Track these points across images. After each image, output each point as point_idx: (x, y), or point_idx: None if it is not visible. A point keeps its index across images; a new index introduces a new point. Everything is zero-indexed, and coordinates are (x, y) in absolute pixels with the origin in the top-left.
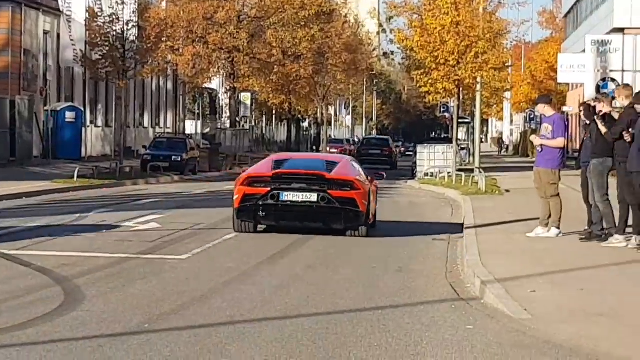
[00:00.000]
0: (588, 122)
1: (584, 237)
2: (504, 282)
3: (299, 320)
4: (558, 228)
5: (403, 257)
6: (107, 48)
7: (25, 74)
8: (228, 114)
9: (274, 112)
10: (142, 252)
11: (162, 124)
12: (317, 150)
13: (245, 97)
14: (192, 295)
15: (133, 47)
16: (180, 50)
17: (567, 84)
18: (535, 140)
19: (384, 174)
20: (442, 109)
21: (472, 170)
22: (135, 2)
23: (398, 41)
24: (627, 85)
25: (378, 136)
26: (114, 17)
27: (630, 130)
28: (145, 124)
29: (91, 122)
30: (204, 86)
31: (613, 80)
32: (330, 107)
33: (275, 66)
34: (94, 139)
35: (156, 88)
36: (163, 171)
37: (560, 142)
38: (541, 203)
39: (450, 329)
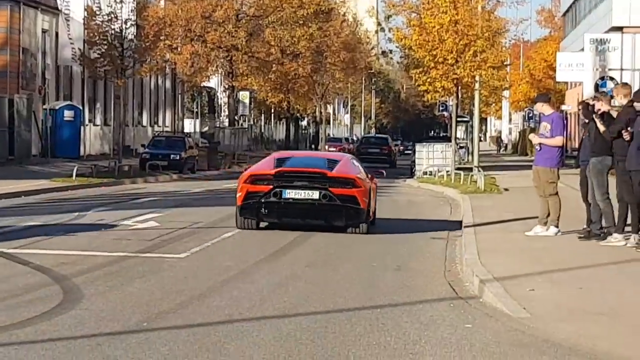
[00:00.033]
0: (587, 120)
1: (582, 235)
2: (502, 281)
3: (297, 319)
4: (557, 227)
5: (402, 255)
6: (106, 47)
7: (23, 72)
8: (226, 113)
9: (272, 110)
10: (140, 251)
11: (160, 123)
12: (316, 149)
13: (244, 96)
14: (190, 293)
15: (131, 45)
16: (179, 49)
17: (566, 83)
18: (534, 138)
19: (384, 172)
20: (440, 108)
21: (470, 169)
22: (134, 0)
23: (396, 40)
24: (626, 84)
25: (377, 135)
26: (112, 15)
27: (629, 128)
28: (144, 123)
29: (90, 121)
30: (202, 85)
31: (612, 78)
32: (328, 105)
33: (274, 65)
34: (93, 137)
35: (155, 87)
36: (162, 170)
37: (558, 140)
38: (540, 202)
39: (449, 328)
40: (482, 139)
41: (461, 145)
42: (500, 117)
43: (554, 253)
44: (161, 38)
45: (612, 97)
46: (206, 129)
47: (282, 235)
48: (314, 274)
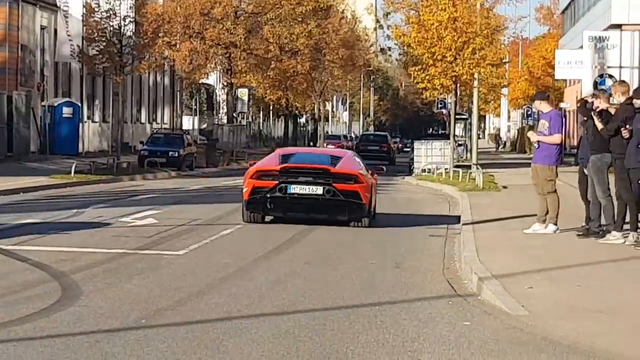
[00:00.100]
0: (585, 118)
1: (581, 233)
2: (501, 279)
3: (296, 316)
4: (555, 224)
5: (401, 252)
6: (104, 43)
7: (22, 69)
8: (225, 110)
9: (271, 108)
10: (139, 248)
11: (159, 120)
12: (314, 147)
13: (243, 93)
14: (189, 291)
15: (130, 42)
16: (177, 46)
17: (565, 80)
18: (532, 136)
19: (384, 168)
20: (439, 105)
21: (469, 167)
22: None
23: (395, 37)
24: (623, 81)
25: (376, 132)
26: (111, 12)
27: (627, 126)
28: (143, 120)
29: (88, 118)
30: (201, 82)
31: (610, 76)
32: (327, 103)
33: (273, 62)
34: (91, 134)
35: (153, 83)
36: (160, 167)
37: (556, 138)
38: (539, 199)
39: (447, 325)
40: (480, 136)
41: (460, 142)
42: (498, 115)
43: (552, 251)
44: (160, 35)
45: (610, 95)
46: (205, 126)
47: (281, 233)
48: (312, 272)
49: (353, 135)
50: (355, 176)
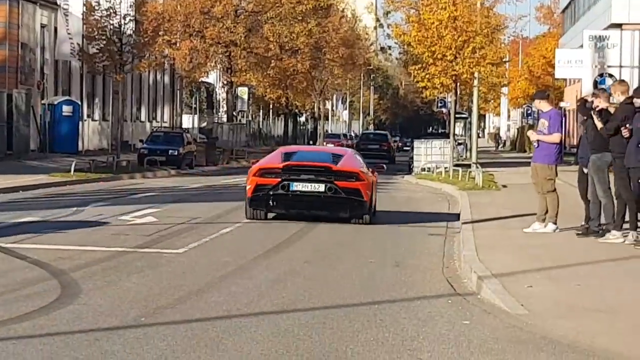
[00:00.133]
0: (585, 117)
1: (580, 232)
2: (500, 278)
3: (295, 315)
4: (555, 224)
5: (400, 252)
6: (104, 42)
7: (22, 67)
8: (225, 108)
9: (271, 106)
10: (138, 246)
11: (159, 118)
12: (314, 145)
13: (242, 92)
14: (188, 289)
15: (130, 41)
16: (177, 44)
17: (565, 80)
18: (532, 135)
19: (385, 166)
20: (439, 104)
21: (469, 166)
22: None
23: (395, 36)
24: (623, 81)
25: (376, 131)
26: (111, 10)
27: (627, 125)
28: (142, 118)
29: (88, 116)
30: (200, 80)
31: (611, 75)
32: (327, 101)
33: (273, 61)
34: (91, 132)
35: (153, 82)
36: (160, 165)
37: (556, 137)
38: (538, 198)
39: (447, 324)
40: (480, 135)
41: (459, 141)
42: (498, 114)
43: (552, 250)
44: (160, 33)
45: (610, 94)
46: (204, 124)
47: (281, 231)
48: (312, 270)
49: (353, 134)
50: (357, 174)
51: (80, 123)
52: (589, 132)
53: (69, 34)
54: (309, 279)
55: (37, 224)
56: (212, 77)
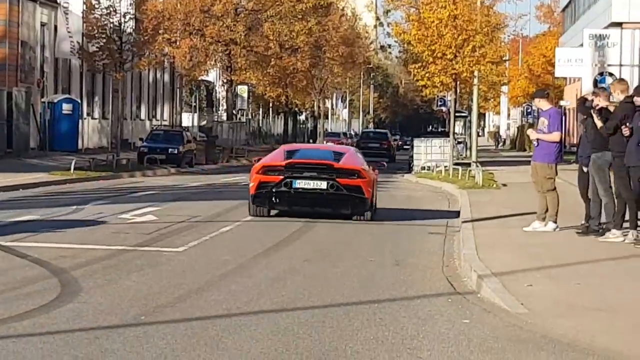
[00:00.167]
0: (585, 116)
1: (580, 231)
2: (500, 276)
3: (295, 313)
4: (555, 222)
5: (400, 250)
6: (104, 40)
7: (22, 65)
8: (225, 107)
9: (270, 105)
10: (138, 245)
11: (158, 117)
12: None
13: (242, 90)
14: (188, 287)
15: (130, 39)
16: (177, 43)
17: (565, 78)
18: (532, 134)
19: (385, 164)
20: (439, 103)
21: (469, 164)
22: None
23: (395, 34)
24: (622, 79)
25: (377, 130)
26: (111, 9)
27: (627, 124)
28: (142, 117)
29: (88, 114)
30: (200, 79)
31: (611, 74)
32: (327, 100)
33: (272, 59)
34: (91, 131)
35: (153, 80)
36: (160, 163)
37: (556, 136)
38: (538, 197)
39: (447, 323)
40: (480, 134)
41: (459, 140)
42: (498, 113)
43: (552, 249)
44: (160, 32)
45: (610, 93)
46: (204, 122)
47: (281, 230)
48: (312, 269)
49: (353, 133)
50: (358, 171)
51: (80, 121)
52: (588, 131)
53: (69, 32)
54: (308, 278)
55: (37, 223)
56: (212, 76)
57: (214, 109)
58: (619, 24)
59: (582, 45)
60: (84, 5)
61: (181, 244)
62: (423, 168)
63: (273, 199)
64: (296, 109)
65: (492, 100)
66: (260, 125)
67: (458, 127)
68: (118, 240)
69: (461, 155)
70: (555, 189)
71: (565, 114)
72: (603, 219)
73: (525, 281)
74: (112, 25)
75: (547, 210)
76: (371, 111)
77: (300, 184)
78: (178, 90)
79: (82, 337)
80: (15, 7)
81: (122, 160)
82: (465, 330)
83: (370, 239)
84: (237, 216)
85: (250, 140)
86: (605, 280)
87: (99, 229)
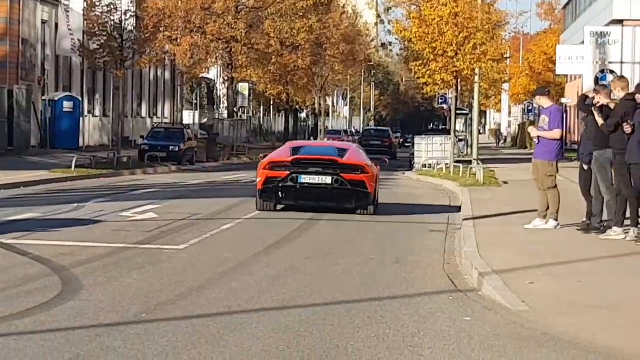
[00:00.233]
0: (586, 114)
1: (581, 229)
2: (501, 274)
3: (296, 311)
4: (556, 220)
5: (401, 248)
6: (105, 38)
7: (23, 63)
8: (226, 105)
9: (271, 102)
10: (139, 242)
11: (159, 114)
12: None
13: (243, 88)
14: (189, 285)
15: (131, 37)
16: (178, 41)
17: (566, 76)
18: (533, 131)
19: (387, 160)
20: (440, 101)
21: (470, 162)
22: None
23: (396, 32)
24: (622, 77)
25: (378, 127)
26: (111, 7)
27: (629, 121)
28: (143, 114)
29: (89, 112)
30: (201, 76)
31: (612, 72)
32: (328, 98)
33: (273, 57)
34: (92, 128)
35: (154, 78)
36: (160, 161)
37: (557, 133)
38: (539, 195)
39: (448, 321)
40: (481, 131)
41: (460, 138)
42: (499, 110)
43: (553, 246)
44: (161, 29)
45: (611, 90)
46: (205, 120)
47: (282, 227)
48: (313, 266)
49: (354, 130)
50: (362, 167)
51: (81, 119)
52: (589, 128)
53: (69, 30)
54: (309, 275)
55: (38, 221)
56: (213, 73)
57: (215, 106)
58: (620, 22)
59: (583, 42)
60: (85, 3)
61: (182, 242)
62: (424, 166)
63: (279, 193)
64: (297, 106)
65: (493, 97)
66: (261, 123)
67: (459, 125)
68: (119, 238)
69: (462, 152)
70: (556, 186)
71: (566, 111)
72: (605, 216)
73: (526, 279)
74: (113, 22)
75: (548, 208)
76: (372, 109)
77: (305, 179)
78: (179, 87)
79: (83, 334)
80: (16, 4)
81: (123, 158)
82: (466, 328)
83: (371, 237)
84: (238, 214)
85: (251, 138)
86: (607, 277)
87: (100, 226)
